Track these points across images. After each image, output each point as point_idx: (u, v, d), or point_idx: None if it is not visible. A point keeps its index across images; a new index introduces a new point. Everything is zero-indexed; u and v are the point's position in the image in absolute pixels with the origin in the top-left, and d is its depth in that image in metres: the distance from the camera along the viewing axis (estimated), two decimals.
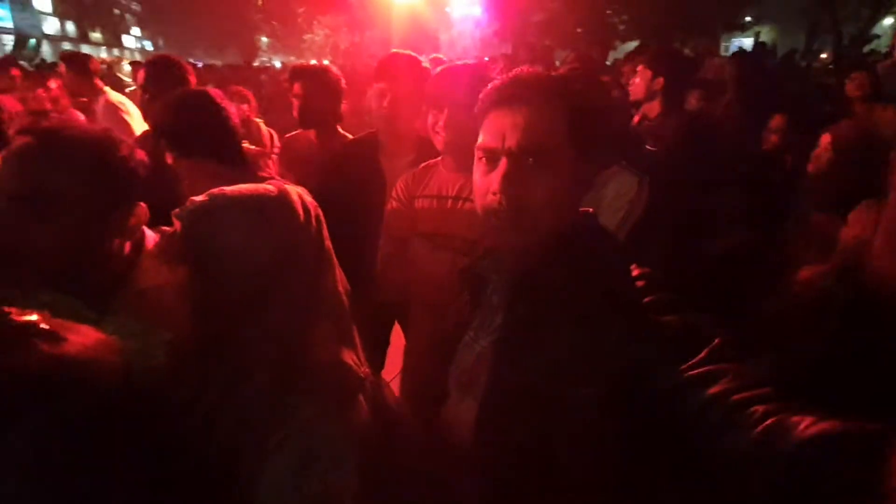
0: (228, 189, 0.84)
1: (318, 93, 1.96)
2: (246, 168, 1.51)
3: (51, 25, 20.02)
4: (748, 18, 15.50)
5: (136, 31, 29.90)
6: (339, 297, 0.92)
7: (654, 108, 2.36)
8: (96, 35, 24.15)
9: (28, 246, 0.79)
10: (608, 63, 5.69)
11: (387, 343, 2.00)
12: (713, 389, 0.62)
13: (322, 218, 0.94)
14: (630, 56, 3.72)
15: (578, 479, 0.71)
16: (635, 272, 0.78)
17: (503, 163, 0.75)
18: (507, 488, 0.76)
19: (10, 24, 15.98)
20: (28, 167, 0.78)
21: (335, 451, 0.74)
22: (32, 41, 16.81)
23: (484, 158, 0.78)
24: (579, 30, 11.56)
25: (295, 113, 1.99)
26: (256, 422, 0.75)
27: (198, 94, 1.46)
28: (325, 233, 0.95)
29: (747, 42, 14.87)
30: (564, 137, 0.75)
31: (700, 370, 0.64)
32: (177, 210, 0.81)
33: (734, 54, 3.99)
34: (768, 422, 0.56)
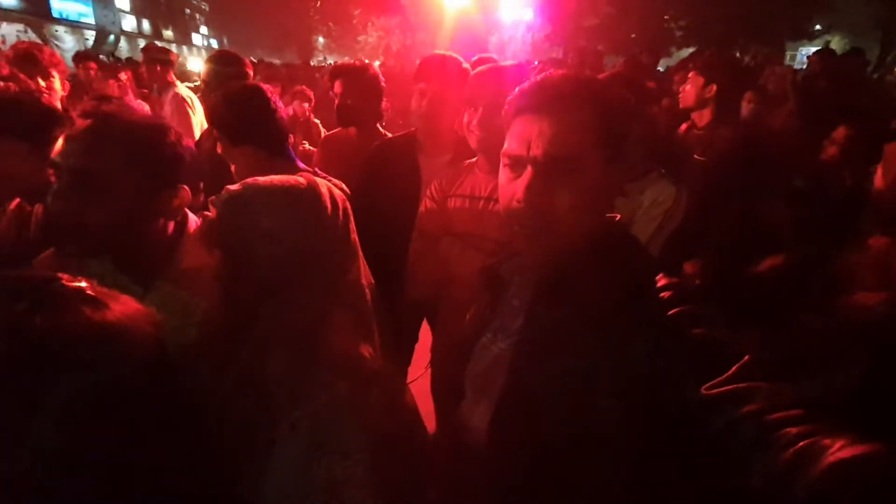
0: (262, 178, 0.88)
1: (356, 91, 2.01)
2: (290, 160, 1.57)
3: (128, 22, 21.46)
4: (818, 27, 14.59)
5: (203, 29, 31.61)
6: (361, 289, 0.94)
7: (704, 116, 2.27)
8: (168, 32, 25.68)
9: (82, 219, 0.86)
10: (661, 69, 5.52)
11: (415, 339, 2.01)
12: (744, 408, 0.61)
13: (350, 212, 0.97)
14: (682, 62, 3.58)
15: (592, 488, 0.70)
16: (662, 282, 0.76)
17: (528, 171, 0.73)
18: (520, 493, 0.76)
19: (91, 21, 17.24)
20: (84, 147, 0.85)
21: (343, 441, 0.75)
22: (111, 37, 18.11)
23: (509, 165, 0.77)
24: (633, 35, 11.25)
25: (335, 111, 2.05)
26: (270, 405, 0.78)
27: (249, 88, 1.54)
28: (352, 226, 0.97)
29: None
30: (592, 145, 0.73)
31: (729, 387, 0.63)
32: (213, 196, 0.86)
33: (818, 52, 3.77)
34: (801, 444, 0.54)
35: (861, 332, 0.95)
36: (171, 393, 0.63)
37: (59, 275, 0.59)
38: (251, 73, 2.27)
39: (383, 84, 2.08)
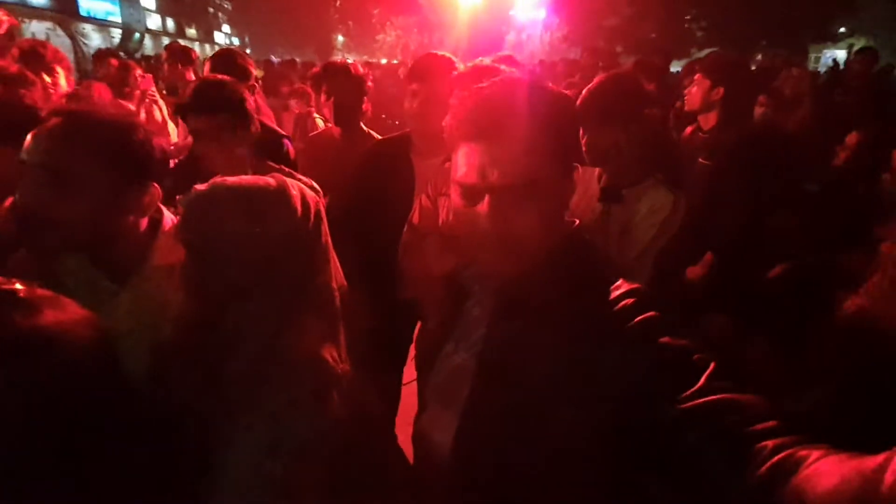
0: (231, 178, 0.87)
1: (340, 90, 2.02)
2: (280, 162, 1.58)
3: (153, 21, 21.91)
4: (842, 29, 14.15)
5: (226, 28, 32.11)
6: (329, 292, 0.93)
7: (709, 119, 2.21)
8: (191, 31, 26.15)
9: (53, 214, 0.87)
10: (677, 71, 5.40)
11: (410, 340, 2.00)
12: (718, 422, 0.59)
13: (322, 214, 0.96)
14: (690, 65, 3.49)
15: (561, 501, 0.69)
16: (624, 288, 0.73)
17: (486, 199, 0.70)
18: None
19: (118, 19, 17.65)
20: (52, 143, 0.86)
21: (300, 441, 0.75)
22: (137, 35, 18.52)
23: (463, 194, 0.73)
24: (653, 35, 11.07)
25: (329, 109, 2.06)
26: (231, 404, 0.78)
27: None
28: (325, 228, 0.97)
29: (840, 54, 13.58)
30: (548, 163, 0.71)
31: (700, 400, 0.61)
32: (181, 196, 0.86)
33: (858, 51, 3.65)
34: (777, 457, 0.53)
35: (837, 345, 0.92)
36: (109, 397, 0.62)
37: None
38: (253, 73, 2.28)
39: (369, 84, 2.08)
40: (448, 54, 1.68)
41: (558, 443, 0.68)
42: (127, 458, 0.62)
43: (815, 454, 0.51)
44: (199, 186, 0.86)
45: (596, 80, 1.52)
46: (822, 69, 9.71)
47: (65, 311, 0.60)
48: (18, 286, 0.59)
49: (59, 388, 0.55)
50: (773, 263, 2.02)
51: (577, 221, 0.82)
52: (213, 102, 1.47)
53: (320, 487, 0.76)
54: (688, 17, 11.27)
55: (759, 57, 9.52)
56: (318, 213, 0.94)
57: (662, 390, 0.63)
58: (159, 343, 0.94)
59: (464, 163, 0.72)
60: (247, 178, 0.88)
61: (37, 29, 12.36)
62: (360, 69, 2.15)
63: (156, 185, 0.97)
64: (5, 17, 2.29)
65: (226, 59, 2.29)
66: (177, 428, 0.78)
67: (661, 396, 0.63)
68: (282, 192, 0.87)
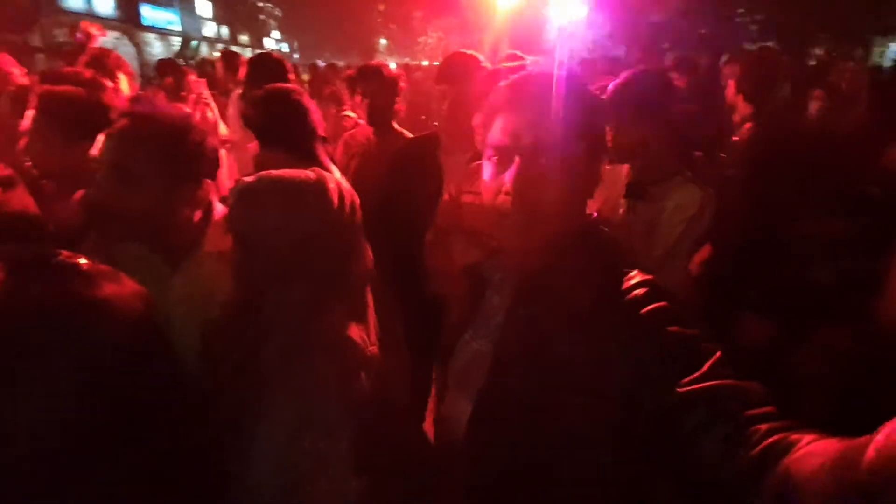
0: (275, 171, 0.96)
1: (374, 91, 2.10)
2: (315, 162, 1.66)
3: (209, 29, 23.10)
4: None
5: (276, 34, 33.36)
6: (361, 280, 1.00)
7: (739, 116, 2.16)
8: (244, 37, 27.36)
9: (120, 207, 1.00)
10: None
11: (438, 332, 2.06)
12: (716, 406, 0.61)
13: (357, 207, 1.03)
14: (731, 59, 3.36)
15: (569, 487, 0.72)
16: (638, 279, 0.75)
17: (517, 161, 0.75)
18: (496, 489, 0.77)
19: (178, 28, 18.75)
20: (118, 144, 1.00)
21: (328, 417, 0.82)
22: (195, 42, 19.62)
23: (495, 157, 0.79)
24: (703, 31, 10.63)
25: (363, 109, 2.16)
26: (265, 381, 0.86)
27: (281, 91, 1.64)
28: (359, 219, 1.04)
29: None
30: (577, 137, 0.75)
31: (701, 385, 0.62)
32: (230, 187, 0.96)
33: None
34: (769, 440, 0.54)
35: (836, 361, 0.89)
36: (156, 364, 0.69)
37: (60, 251, 0.67)
38: (292, 76, 2.40)
39: (402, 85, 2.16)
40: (475, 53, 1.72)
41: (567, 430, 0.70)
42: (168, 421, 0.69)
43: (806, 438, 0.52)
44: (246, 178, 0.95)
45: (624, 75, 1.53)
46: (887, 63, 9.03)
47: (121, 285, 0.67)
48: (83, 261, 0.67)
49: (110, 350, 0.62)
50: (821, 266, 1.94)
51: (596, 214, 0.85)
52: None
53: (346, 461, 0.82)
54: (740, 11, 10.77)
55: (818, 51, 8.98)
56: (353, 205, 1.01)
57: (667, 378, 0.65)
58: (206, 323, 1.05)
59: (500, 128, 0.78)
60: (288, 171, 0.96)
61: (105, 39, 13.36)
62: (394, 71, 2.23)
63: (209, 181, 1.08)
64: (97, 32, 2.53)
65: (263, 60, 2.43)
66: (214, 400, 0.87)
67: (665, 382, 0.64)
68: (319, 185, 0.95)
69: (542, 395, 0.72)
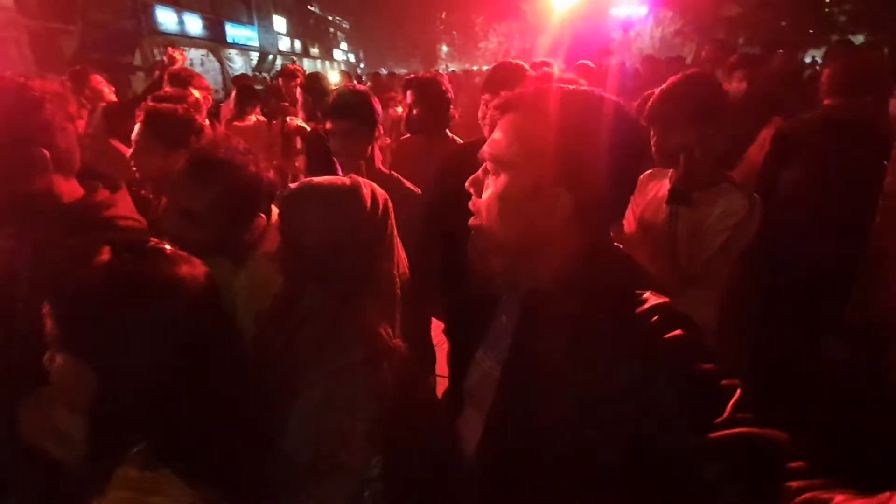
0: (316, 179, 1.06)
1: (424, 101, 2.20)
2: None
3: (284, 43, 24.62)
4: None
5: (343, 46, 34.94)
6: (391, 279, 1.07)
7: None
8: (314, 50, 28.89)
9: (191, 239, 1.14)
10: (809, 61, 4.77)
11: (483, 329, 2.11)
12: (739, 458, 0.57)
13: (390, 210, 1.11)
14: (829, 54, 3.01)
15: None
16: (652, 303, 0.70)
17: (502, 179, 0.79)
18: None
19: (256, 44, 20.16)
20: (181, 190, 1.17)
21: (352, 400, 0.89)
22: (270, 56, 21.00)
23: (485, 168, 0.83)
24: (783, 23, 9.87)
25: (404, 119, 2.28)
26: (301, 364, 0.95)
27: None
28: (392, 222, 1.11)
29: None
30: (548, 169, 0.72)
31: (723, 433, 0.59)
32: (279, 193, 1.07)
33: None
34: (800, 498, 0.52)
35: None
36: (222, 331, 0.87)
37: (148, 238, 0.86)
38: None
39: (450, 94, 2.23)
40: (520, 62, 1.76)
41: (576, 458, 0.68)
42: (225, 387, 0.82)
43: (838, 498, 0.50)
44: (291, 185, 1.06)
45: (670, 80, 1.51)
46: None
47: (194, 268, 0.84)
48: (167, 246, 0.84)
49: (185, 311, 0.79)
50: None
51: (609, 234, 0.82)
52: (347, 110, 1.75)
53: (365, 440, 0.89)
54: (828, 1, 9.87)
55: None
56: (385, 208, 1.09)
57: (682, 415, 0.61)
58: (260, 312, 1.16)
59: (488, 142, 0.81)
60: (327, 179, 1.06)
61: (194, 56, 14.62)
62: (446, 81, 2.32)
63: (262, 215, 1.24)
64: (180, 57, 2.87)
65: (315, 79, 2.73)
66: (263, 375, 0.97)
67: (681, 422, 0.61)
68: (354, 190, 1.04)
69: (553, 424, 0.71)
